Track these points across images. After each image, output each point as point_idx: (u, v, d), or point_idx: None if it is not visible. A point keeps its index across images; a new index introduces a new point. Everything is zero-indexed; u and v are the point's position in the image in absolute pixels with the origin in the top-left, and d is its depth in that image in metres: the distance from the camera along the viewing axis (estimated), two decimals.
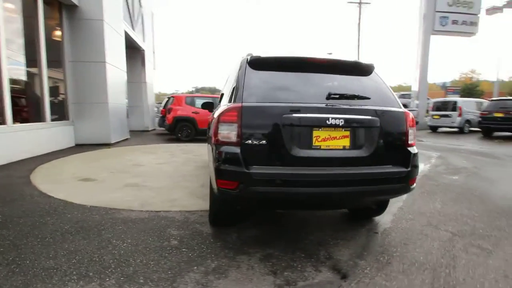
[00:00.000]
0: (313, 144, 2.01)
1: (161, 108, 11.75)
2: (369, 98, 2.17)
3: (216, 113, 2.37)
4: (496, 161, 6.41)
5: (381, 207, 2.72)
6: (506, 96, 18.01)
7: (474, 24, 16.12)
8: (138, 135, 10.83)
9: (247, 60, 2.31)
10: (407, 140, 2.20)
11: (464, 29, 16.15)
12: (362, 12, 24.76)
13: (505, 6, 16.41)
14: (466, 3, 16.54)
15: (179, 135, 9.09)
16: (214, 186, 2.10)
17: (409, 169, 2.13)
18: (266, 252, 2.19)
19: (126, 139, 9.20)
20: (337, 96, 2.11)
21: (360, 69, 2.39)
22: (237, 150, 1.95)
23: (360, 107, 2.10)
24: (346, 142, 2.05)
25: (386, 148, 2.13)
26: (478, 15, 16.11)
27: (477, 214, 3.08)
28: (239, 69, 2.36)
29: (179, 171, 4.81)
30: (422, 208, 3.25)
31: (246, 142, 1.96)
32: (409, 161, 2.15)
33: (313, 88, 2.20)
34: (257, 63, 2.27)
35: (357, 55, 26.14)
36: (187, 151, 7.03)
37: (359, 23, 25.84)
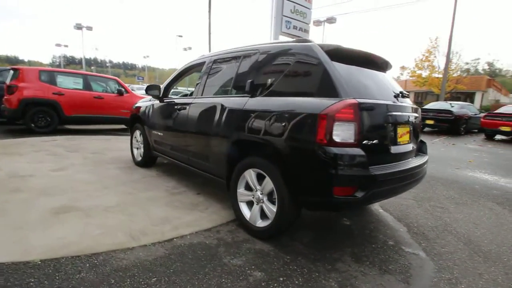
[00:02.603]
0: (397, 140, 2.11)
1: None
2: (409, 96, 2.49)
3: (308, 109, 1.87)
4: None
5: None
6: None
7: (306, 31, 20.27)
8: None
9: (323, 48, 2.03)
10: (421, 132, 2.72)
11: (300, 34, 19.86)
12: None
13: (325, 21, 21.78)
14: (301, 13, 20.57)
15: (32, 125, 6.31)
16: (321, 192, 1.79)
17: (428, 155, 2.66)
18: (345, 252, 2.14)
19: None
20: (400, 94, 2.28)
21: (388, 67, 2.63)
22: (360, 152, 1.75)
23: (413, 105, 2.38)
24: (408, 137, 2.29)
25: (418, 140, 2.54)
26: (309, 25, 20.55)
27: None
28: (308, 58, 2.04)
29: (108, 178, 3.48)
30: None
31: (363, 142, 1.80)
32: (426, 148, 2.68)
33: (381, 85, 2.25)
34: (336, 54, 2.04)
35: (208, 42, 27.06)
36: (72, 148, 5.07)
37: (209, 11, 26.91)
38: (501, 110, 10.67)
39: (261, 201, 2.22)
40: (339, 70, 1.94)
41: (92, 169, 3.84)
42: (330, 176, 1.74)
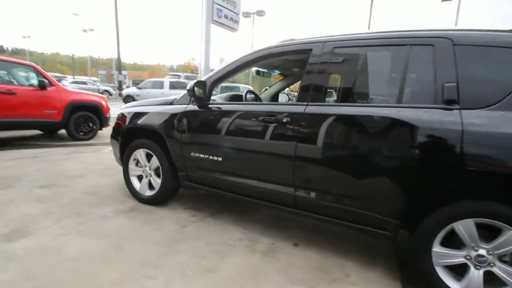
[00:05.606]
0: None
1: None
2: None
3: None
4: None
5: None
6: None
7: (236, 22, 19.46)
8: None
9: None
10: None
11: (231, 24, 18.96)
12: None
13: (255, 13, 21.24)
14: (232, 2, 19.56)
15: None
16: None
17: None
18: None
19: None
20: None
21: None
22: None
23: None
24: None
25: None
26: (239, 15, 19.73)
27: None
28: None
29: (130, 241, 2.04)
30: None
31: None
32: None
33: None
34: None
35: (115, 24, 23.16)
36: (39, 180, 3.00)
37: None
38: None
39: (490, 264, 1.50)
40: None
41: (80, 225, 2.23)
42: None
